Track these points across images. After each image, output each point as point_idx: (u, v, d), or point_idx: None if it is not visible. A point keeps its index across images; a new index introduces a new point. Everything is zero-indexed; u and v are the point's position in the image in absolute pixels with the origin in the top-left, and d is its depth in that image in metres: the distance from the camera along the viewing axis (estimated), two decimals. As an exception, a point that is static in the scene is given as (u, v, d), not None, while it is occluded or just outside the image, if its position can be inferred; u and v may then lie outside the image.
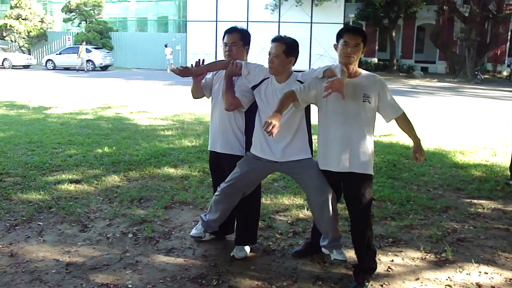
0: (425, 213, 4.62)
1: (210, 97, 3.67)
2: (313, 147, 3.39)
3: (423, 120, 10.33)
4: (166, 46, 28.38)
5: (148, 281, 3.20)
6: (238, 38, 3.45)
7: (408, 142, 7.64)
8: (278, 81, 3.26)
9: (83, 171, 5.76)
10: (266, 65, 3.29)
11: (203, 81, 3.59)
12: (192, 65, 3.48)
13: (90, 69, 27.60)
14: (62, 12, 33.87)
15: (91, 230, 4.04)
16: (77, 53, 27.04)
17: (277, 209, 4.63)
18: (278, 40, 3.21)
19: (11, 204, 4.61)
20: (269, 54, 3.21)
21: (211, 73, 3.62)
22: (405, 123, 3.20)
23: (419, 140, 3.19)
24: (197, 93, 3.65)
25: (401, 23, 31.83)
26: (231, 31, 3.48)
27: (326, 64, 3.24)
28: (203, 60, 3.54)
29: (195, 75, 3.49)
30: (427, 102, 14.94)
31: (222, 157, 3.57)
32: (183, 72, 3.41)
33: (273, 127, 2.76)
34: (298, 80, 3.22)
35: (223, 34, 3.53)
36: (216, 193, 3.49)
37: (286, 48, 3.17)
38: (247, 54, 3.55)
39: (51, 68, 28.45)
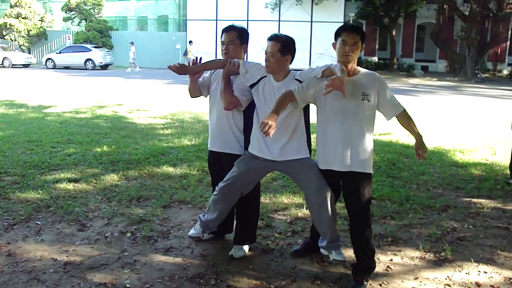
0: (425, 212, 4.60)
1: (208, 96, 3.66)
2: (312, 147, 3.37)
3: (423, 119, 10.31)
4: (132, 43, 27.78)
5: (146, 280, 3.19)
6: (235, 37, 3.43)
7: (408, 140, 7.64)
8: (275, 79, 3.25)
9: (82, 170, 5.75)
10: (264, 63, 3.27)
11: (200, 79, 3.57)
12: (189, 63, 3.47)
13: (91, 68, 27.66)
14: (62, 11, 33.89)
15: (89, 229, 4.03)
16: (185, 53, 26.68)
17: (276, 208, 4.61)
18: (274, 38, 3.20)
19: (9, 203, 4.60)
20: (265, 53, 3.20)
21: (209, 72, 3.61)
22: (406, 120, 3.18)
23: (421, 136, 3.17)
24: (195, 92, 3.63)
25: (401, 22, 31.78)
26: (228, 29, 3.46)
27: (326, 63, 3.23)
28: (200, 58, 3.53)
29: (192, 73, 3.48)
30: (427, 101, 14.92)
31: (221, 156, 3.56)
32: (179, 69, 3.40)
33: (269, 127, 2.76)
34: (296, 79, 3.20)
35: (221, 33, 3.51)
36: (214, 193, 3.47)
37: (282, 46, 3.16)
38: (245, 52, 3.53)
39: (51, 67, 28.47)
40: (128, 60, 27.88)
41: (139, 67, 27.47)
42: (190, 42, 27.34)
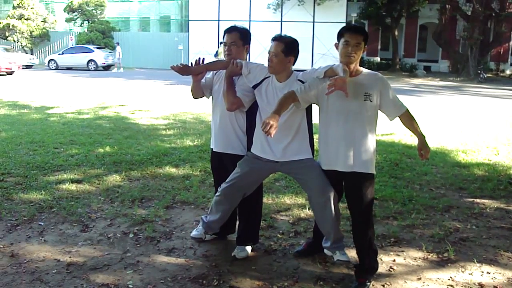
0: (427, 212, 4.60)
1: (211, 97, 3.66)
2: (315, 147, 3.37)
3: (426, 119, 10.29)
4: (117, 44, 28.47)
5: (148, 281, 3.19)
6: (238, 38, 3.43)
7: (410, 141, 7.63)
8: (278, 80, 3.25)
9: (84, 171, 5.76)
10: (267, 64, 3.28)
11: (203, 80, 3.57)
12: (192, 63, 3.47)
13: (93, 68, 27.74)
14: (65, 12, 33.92)
15: (92, 230, 4.04)
16: (216, 54, 26.95)
17: (279, 209, 4.61)
18: (278, 39, 3.20)
19: (12, 204, 4.61)
20: (268, 53, 3.20)
21: (211, 72, 3.61)
22: (409, 120, 3.17)
23: (424, 137, 3.16)
24: (197, 93, 3.63)
25: (403, 22, 31.73)
26: (230, 30, 3.46)
27: (328, 63, 3.23)
28: (203, 59, 3.53)
29: (195, 73, 3.48)
30: (429, 101, 14.90)
31: (224, 157, 3.56)
32: (182, 70, 3.40)
33: (271, 127, 2.76)
34: (299, 80, 3.20)
35: (223, 34, 3.51)
36: (217, 194, 3.48)
37: (285, 47, 3.16)
38: (247, 53, 3.54)
39: (54, 68, 28.52)
40: (115, 61, 28.34)
41: (117, 70, 27.98)
42: (221, 43, 27.32)
